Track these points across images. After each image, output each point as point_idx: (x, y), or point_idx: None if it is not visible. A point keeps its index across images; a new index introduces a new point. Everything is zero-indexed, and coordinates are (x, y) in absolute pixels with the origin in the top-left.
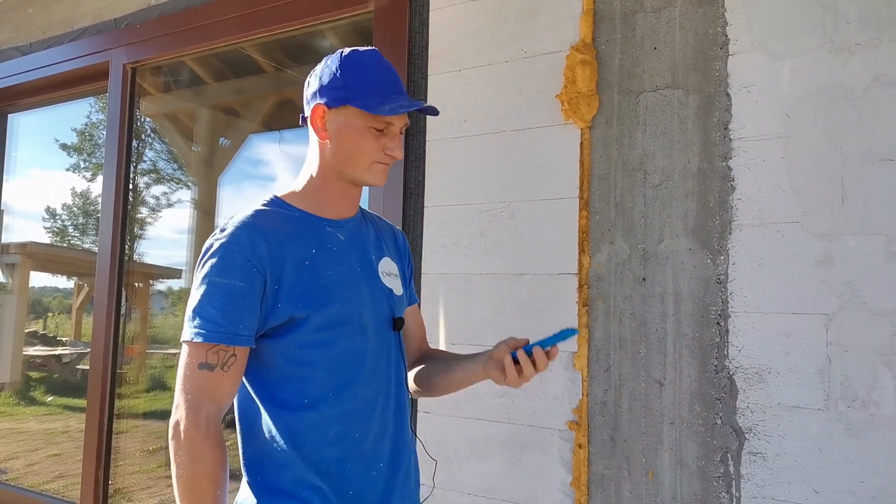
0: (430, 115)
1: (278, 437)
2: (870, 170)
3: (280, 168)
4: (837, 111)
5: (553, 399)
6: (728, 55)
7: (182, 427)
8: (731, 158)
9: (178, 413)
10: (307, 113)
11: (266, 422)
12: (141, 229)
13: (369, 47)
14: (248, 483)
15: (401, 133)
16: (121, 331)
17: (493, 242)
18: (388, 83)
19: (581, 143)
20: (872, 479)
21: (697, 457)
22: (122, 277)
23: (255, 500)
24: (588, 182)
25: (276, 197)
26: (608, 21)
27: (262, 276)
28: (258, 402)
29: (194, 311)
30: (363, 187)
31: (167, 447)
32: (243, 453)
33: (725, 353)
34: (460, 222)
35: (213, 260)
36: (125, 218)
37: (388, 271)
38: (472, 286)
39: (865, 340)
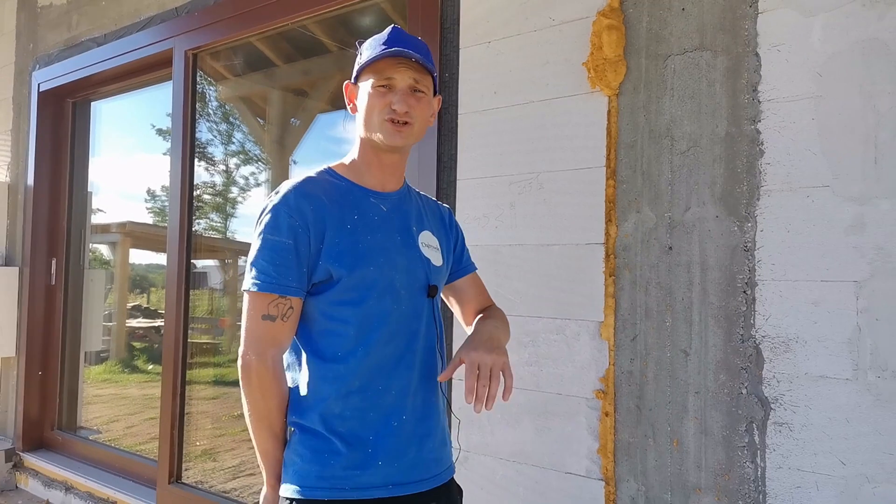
0: (406, 56)
1: (313, 383)
2: None
3: (350, 146)
4: (872, 67)
5: (580, 368)
6: (758, 13)
7: (253, 370)
8: (759, 121)
9: (247, 358)
10: None
11: (306, 368)
12: (233, 208)
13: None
14: (289, 421)
15: (413, 91)
16: (191, 303)
17: (523, 214)
18: (388, 42)
19: (608, 111)
20: None
21: (722, 426)
22: (190, 253)
23: (297, 436)
24: (615, 151)
25: (328, 167)
26: None
27: (307, 235)
28: (302, 351)
29: (251, 264)
30: (403, 159)
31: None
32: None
33: (752, 322)
34: (491, 194)
35: (267, 218)
36: (191, 197)
37: (428, 243)
38: (502, 257)
39: None
